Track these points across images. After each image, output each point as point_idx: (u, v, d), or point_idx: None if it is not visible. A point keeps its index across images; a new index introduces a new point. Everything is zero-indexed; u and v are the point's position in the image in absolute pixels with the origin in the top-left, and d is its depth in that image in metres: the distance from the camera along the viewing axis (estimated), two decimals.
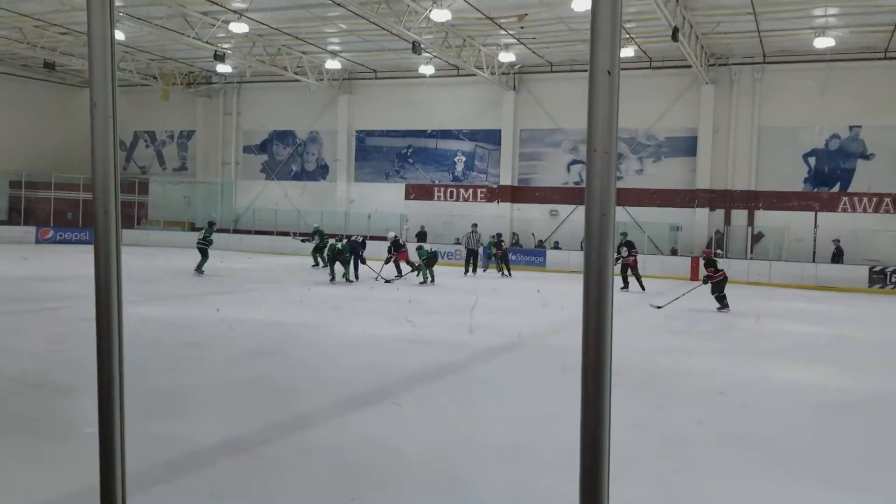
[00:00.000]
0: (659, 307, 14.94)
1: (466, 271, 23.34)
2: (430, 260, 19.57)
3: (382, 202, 30.53)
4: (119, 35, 23.78)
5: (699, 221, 25.82)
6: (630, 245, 19.26)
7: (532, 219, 28.41)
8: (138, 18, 22.42)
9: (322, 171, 32.62)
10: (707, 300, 15.26)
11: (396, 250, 20.71)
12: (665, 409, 7.12)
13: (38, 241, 29.61)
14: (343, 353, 9.54)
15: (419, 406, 6.92)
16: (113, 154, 1.90)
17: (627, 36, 22.76)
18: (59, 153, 33.86)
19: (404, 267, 20.38)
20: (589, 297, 1.42)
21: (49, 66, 29.06)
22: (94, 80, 1.87)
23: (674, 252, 25.97)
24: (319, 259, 22.04)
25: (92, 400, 6.28)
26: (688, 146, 26.24)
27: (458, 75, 28.44)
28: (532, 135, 28.62)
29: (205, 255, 18.71)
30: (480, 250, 23.82)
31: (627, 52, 23.84)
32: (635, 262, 19.14)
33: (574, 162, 27.82)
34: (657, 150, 26.79)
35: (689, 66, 23.76)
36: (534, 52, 25.89)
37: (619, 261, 18.69)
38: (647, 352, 9.98)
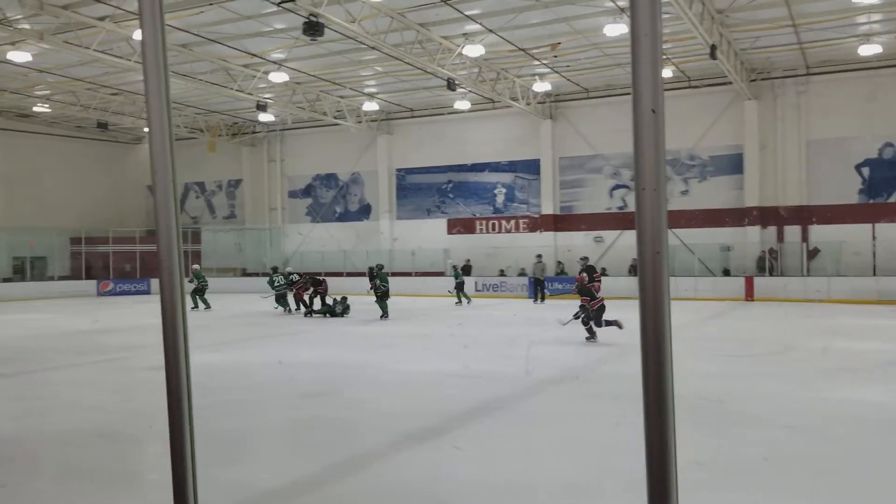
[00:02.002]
0: (564, 324, 14.17)
1: (535, 300, 24.40)
2: (459, 284, 20.41)
3: (425, 238, 30.72)
4: None
5: (751, 240, 25.34)
6: (591, 270, 16.73)
7: (576, 246, 28.22)
8: (184, 75, 23.20)
9: (365, 211, 33.02)
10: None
11: (294, 285, 20.90)
12: (725, 438, 6.95)
13: (98, 294, 30.46)
14: (396, 390, 9.56)
15: (474, 443, 6.88)
16: (175, 218, 1.98)
17: (665, 57, 22.69)
18: (114, 208, 35.02)
19: (327, 301, 20.10)
20: (647, 334, 1.43)
21: (102, 125, 30.30)
22: (153, 145, 1.96)
23: (726, 273, 25.49)
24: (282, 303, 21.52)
25: (155, 447, 6.42)
26: (733, 164, 25.88)
27: (494, 108, 28.66)
28: (572, 162, 28.58)
29: (284, 298, 20.57)
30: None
31: (665, 72, 23.74)
32: (598, 289, 16.43)
33: (617, 187, 27.66)
34: (702, 169, 26.48)
35: (730, 83, 23.54)
36: (569, 79, 25.97)
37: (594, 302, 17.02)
38: (704, 377, 9.77)
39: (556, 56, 23.06)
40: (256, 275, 32.98)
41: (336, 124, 29.68)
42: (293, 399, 9.14)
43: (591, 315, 14.16)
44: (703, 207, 26.28)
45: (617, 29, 18.81)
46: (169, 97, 1.97)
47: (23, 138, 31.76)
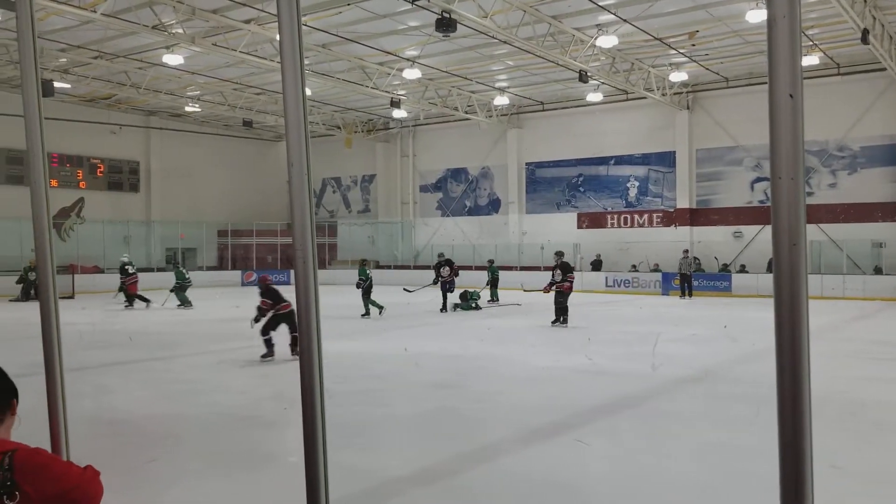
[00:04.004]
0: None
1: (682, 295, 24.03)
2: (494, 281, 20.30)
3: (554, 232, 30.41)
4: (307, 91, 25.72)
5: None
6: (566, 268, 16.15)
7: (714, 242, 27.07)
8: (322, 74, 24.14)
9: (494, 205, 33.14)
10: None
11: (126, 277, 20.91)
12: (870, 444, 6.47)
13: (243, 284, 32.32)
14: (522, 383, 9.55)
15: (602, 440, 6.77)
16: (309, 208, 2.07)
17: (811, 43, 21.31)
18: (258, 202, 37.02)
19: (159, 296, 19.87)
20: (782, 332, 1.36)
21: (247, 124, 32.14)
22: (290, 140, 2.06)
23: (878, 271, 23.67)
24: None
25: (294, 431, 6.71)
26: (888, 155, 23.97)
27: (627, 99, 27.97)
28: (709, 154, 27.42)
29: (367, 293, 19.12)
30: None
31: (812, 59, 22.26)
32: (570, 288, 16.02)
33: (758, 180, 26.29)
34: (852, 161, 24.70)
35: (884, 69, 21.78)
36: (707, 68, 24.92)
37: (553, 286, 15.98)
38: (848, 381, 9.13)
39: (693, 45, 22.18)
40: (389, 267, 33.91)
41: (467, 119, 29.97)
42: (420, 389, 9.33)
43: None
44: (853, 201, 24.49)
45: (759, 15, 17.86)
46: (305, 95, 2.05)
47: (176, 137, 34.15)
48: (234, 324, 17.12)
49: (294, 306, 11.36)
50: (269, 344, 11.40)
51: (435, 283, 20.06)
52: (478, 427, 7.32)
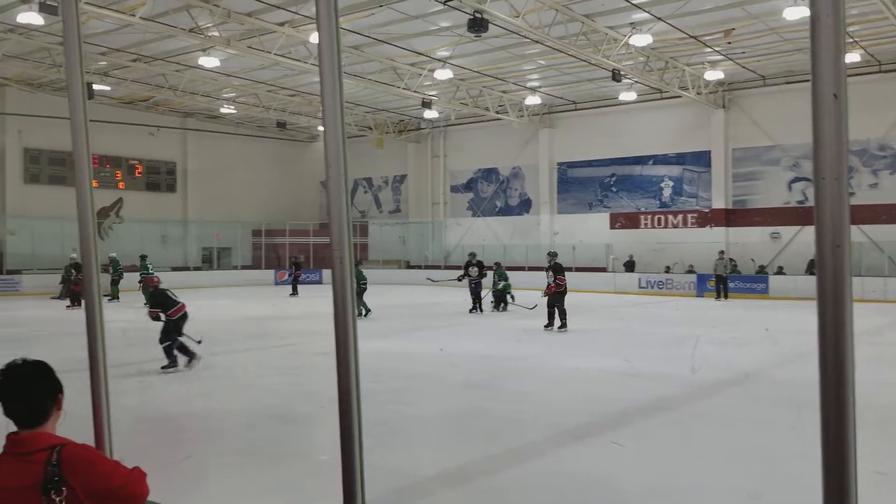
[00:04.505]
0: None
1: (718, 297, 23.74)
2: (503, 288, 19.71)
3: (587, 233, 30.21)
4: None
5: None
6: (557, 269, 15.36)
7: (750, 243, 26.67)
8: (355, 75, 24.29)
9: (525, 205, 33.02)
10: None
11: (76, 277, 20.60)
12: None
13: (276, 283, 32.64)
14: (556, 384, 9.51)
15: (637, 442, 6.71)
16: (346, 209, 2.09)
17: (851, 40, 20.89)
18: (291, 202, 37.39)
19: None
20: (825, 335, 1.34)
21: (281, 125, 32.50)
22: (328, 143, 2.08)
23: None
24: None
25: (324, 429, 6.78)
26: None
27: (662, 98, 27.67)
28: (746, 153, 27.02)
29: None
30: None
31: (853, 56, 21.80)
32: (556, 289, 15.20)
33: (796, 179, 25.84)
34: (894, 160, 24.16)
35: None
36: (744, 66, 24.56)
37: (559, 287, 15.25)
38: (891, 386, 8.94)
39: (729, 42, 21.87)
40: (419, 267, 33.99)
41: (498, 119, 29.91)
42: (454, 389, 9.35)
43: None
44: (895, 202, 23.96)
45: (798, 12, 17.54)
46: (342, 97, 2.08)
47: (212, 138, 34.61)
48: (266, 322, 17.33)
49: (187, 308, 10.53)
50: (168, 352, 10.45)
51: (460, 279, 20.00)
52: (510, 427, 7.31)
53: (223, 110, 31.69)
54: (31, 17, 17.46)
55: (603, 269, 28.65)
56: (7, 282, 25.15)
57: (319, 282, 32.32)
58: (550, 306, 15.28)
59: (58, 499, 2.10)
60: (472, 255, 20.48)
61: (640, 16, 19.38)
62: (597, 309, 20.49)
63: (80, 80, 2.59)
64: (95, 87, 24.40)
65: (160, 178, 33.59)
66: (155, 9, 17.79)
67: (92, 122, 2.68)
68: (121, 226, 31.18)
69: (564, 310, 15.13)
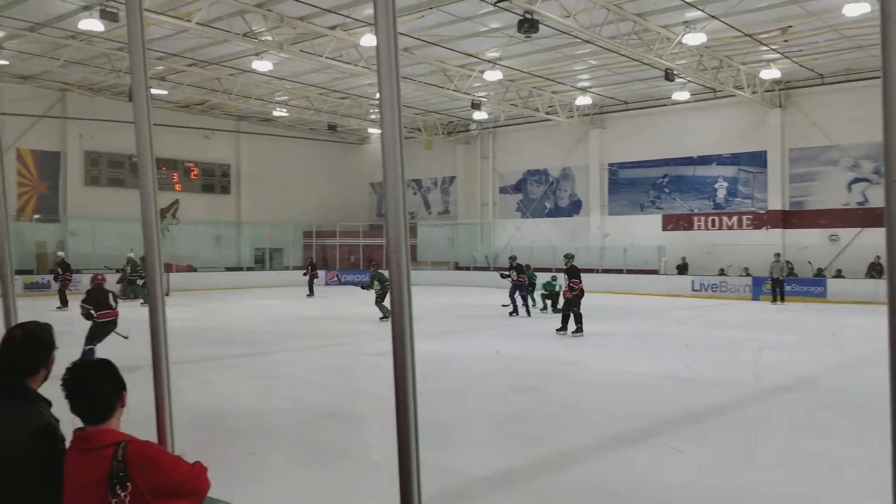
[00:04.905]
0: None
1: (774, 301, 23.28)
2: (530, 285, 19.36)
3: (638, 234, 29.80)
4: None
5: None
6: (572, 272, 14.95)
7: (808, 245, 25.96)
8: (405, 78, 24.42)
9: (575, 207, 32.75)
10: None
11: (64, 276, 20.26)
12: None
13: (326, 283, 33.03)
14: (607, 388, 9.41)
15: (694, 448, 6.59)
16: (403, 213, 2.10)
17: None
18: (341, 203, 37.82)
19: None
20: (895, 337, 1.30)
21: (332, 127, 32.92)
22: (385, 147, 2.10)
23: None
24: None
25: (374, 428, 6.83)
26: None
27: (716, 97, 27.16)
28: (803, 154, 26.33)
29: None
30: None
31: None
32: (576, 295, 14.68)
33: (856, 180, 25.07)
34: None
35: None
36: (801, 65, 23.94)
37: (573, 291, 14.74)
38: None
39: (786, 41, 21.34)
40: (468, 268, 34.01)
41: (547, 120, 29.74)
42: (502, 390, 9.32)
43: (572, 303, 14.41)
44: None
45: (858, 8, 17.05)
46: (400, 100, 2.09)
47: (264, 141, 35.19)
48: (316, 322, 17.55)
49: (118, 317, 10.23)
50: (87, 356, 9.33)
51: (504, 277, 19.77)
52: (560, 431, 7.26)
53: (275, 113, 32.19)
54: (91, 24, 18.05)
55: (655, 272, 28.24)
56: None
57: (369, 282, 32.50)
58: (566, 310, 14.95)
59: (123, 494, 2.16)
60: (513, 258, 20.37)
61: (693, 14, 19.06)
62: (649, 312, 20.22)
63: (144, 85, 2.66)
64: (153, 91, 25.03)
65: (215, 180, 34.33)
66: (210, 14, 18.19)
67: None
68: (177, 226, 31.95)
69: (580, 314, 14.76)
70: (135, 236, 25.17)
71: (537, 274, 20.73)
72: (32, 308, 21.00)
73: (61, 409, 2.34)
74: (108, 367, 2.35)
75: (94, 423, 2.28)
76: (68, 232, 28.47)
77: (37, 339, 2.52)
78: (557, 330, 14.92)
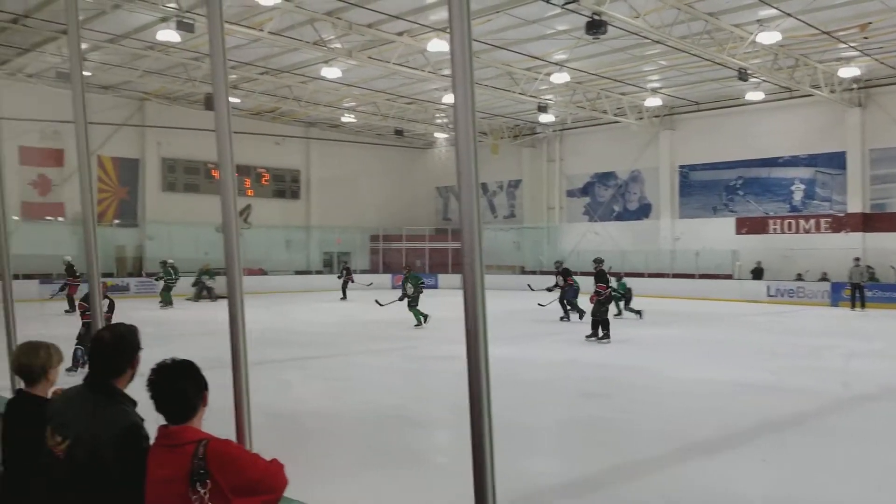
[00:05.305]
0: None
1: (853, 306, 22.28)
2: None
3: (710, 238, 29.02)
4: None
5: None
6: (599, 277, 14.60)
7: (890, 249, 24.84)
8: None
9: (644, 210, 32.17)
10: None
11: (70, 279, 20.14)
12: None
13: (392, 287, 33.31)
14: (680, 396, 9.19)
15: (769, 458, 6.38)
16: (477, 217, 2.10)
17: None
18: (407, 208, 38.12)
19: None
20: None
21: (398, 132, 33.21)
22: (459, 152, 2.10)
23: None
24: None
25: (441, 432, 6.85)
26: None
27: (791, 97, 26.26)
28: (885, 154, 25.21)
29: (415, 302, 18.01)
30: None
31: None
32: (602, 298, 14.36)
33: None
34: None
35: None
36: (882, 62, 22.96)
37: (599, 296, 14.38)
38: None
39: (866, 37, 20.50)
40: (534, 272, 33.79)
41: (616, 122, 29.32)
42: (571, 397, 9.23)
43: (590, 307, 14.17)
44: None
45: None
46: (474, 105, 2.09)
47: (333, 147, 35.77)
48: (382, 326, 17.71)
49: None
50: (75, 355, 10.07)
51: (551, 289, 19.55)
52: (633, 439, 7.13)
53: (344, 119, 32.70)
54: (168, 35, 18.68)
55: (728, 277, 27.49)
56: (146, 284, 26.86)
57: (436, 286, 32.73)
58: (593, 315, 14.52)
59: (203, 491, 2.22)
60: (559, 263, 20.14)
61: (767, 12, 18.49)
62: (724, 318, 19.72)
63: (224, 94, 2.75)
64: None
65: (285, 185, 35.09)
66: (282, 23, 18.63)
67: None
68: (248, 231, 32.79)
69: (607, 320, 14.34)
70: (207, 241, 26.09)
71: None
72: (182, 307, 21.90)
73: (146, 408, 2.43)
74: (190, 368, 2.42)
75: (178, 422, 2.35)
76: (147, 236, 29.52)
77: (123, 341, 2.63)
78: (587, 337, 14.42)
